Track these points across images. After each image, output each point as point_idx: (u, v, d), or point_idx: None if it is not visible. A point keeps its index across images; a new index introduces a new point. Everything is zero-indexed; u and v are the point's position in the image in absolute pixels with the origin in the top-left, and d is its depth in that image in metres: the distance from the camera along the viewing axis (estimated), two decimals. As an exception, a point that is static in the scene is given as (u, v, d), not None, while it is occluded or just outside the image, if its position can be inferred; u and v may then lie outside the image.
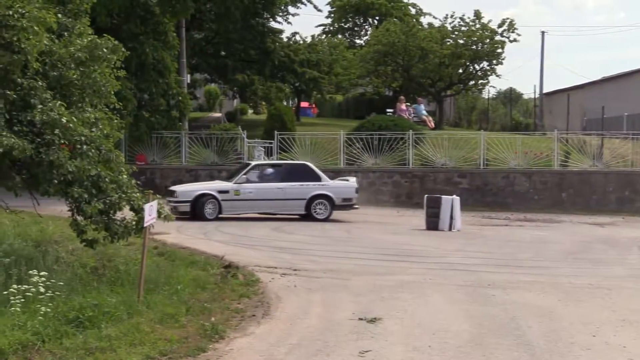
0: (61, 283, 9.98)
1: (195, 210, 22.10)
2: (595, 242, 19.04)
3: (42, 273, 9.77)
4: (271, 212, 23.20)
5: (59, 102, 10.60)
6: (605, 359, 8.17)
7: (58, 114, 10.28)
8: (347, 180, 24.37)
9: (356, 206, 23.99)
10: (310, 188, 23.23)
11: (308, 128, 36.86)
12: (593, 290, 12.12)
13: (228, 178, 24.43)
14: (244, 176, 23.04)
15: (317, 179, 23.53)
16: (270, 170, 23.89)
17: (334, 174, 28.92)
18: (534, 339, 8.85)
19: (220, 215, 22.34)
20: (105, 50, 11.54)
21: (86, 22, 12.77)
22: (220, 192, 22.52)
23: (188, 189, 22.78)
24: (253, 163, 24.26)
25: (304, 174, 23.60)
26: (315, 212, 23.08)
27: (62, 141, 10.34)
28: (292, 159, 29.38)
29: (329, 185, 23.50)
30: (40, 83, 10.76)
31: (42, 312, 8.57)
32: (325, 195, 23.25)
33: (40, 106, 10.36)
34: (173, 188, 23.24)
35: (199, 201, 22.18)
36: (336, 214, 23.45)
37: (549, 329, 9.35)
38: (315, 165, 28.53)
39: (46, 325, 8.25)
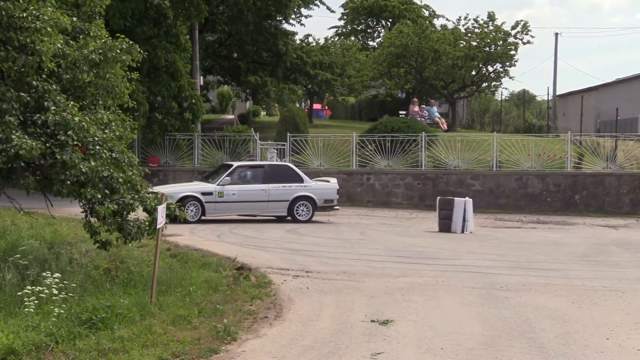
0: (74, 284, 10.03)
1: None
2: (609, 244, 18.96)
3: (56, 274, 9.82)
4: (254, 214, 23.20)
5: (72, 103, 10.65)
6: (618, 362, 8.14)
7: (71, 115, 10.33)
8: (328, 181, 24.30)
9: (336, 207, 24.00)
10: (293, 189, 23.13)
11: (320, 130, 36.86)
12: (607, 292, 12.06)
13: (207, 179, 24.30)
14: (227, 177, 22.84)
15: (300, 180, 23.41)
16: (252, 171, 23.69)
17: (347, 175, 29.06)
18: (547, 342, 8.82)
19: (203, 218, 22.15)
20: (119, 51, 11.58)
21: (100, 25, 12.82)
22: (203, 193, 22.33)
23: (172, 191, 22.07)
24: (235, 164, 23.99)
25: (286, 175, 23.48)
26: (297, 213, 23.02)
27: (75, 142, 10.39)
28: (304, 161, 29.45)
29: (311, 187, 23.41)
30: (54, 86, 10.82)
31: (55, 314, 8.61)
32: (307, 197, 23.20)
33: (53, 108, 10.42)
34: (159, 189, 22.93)
35: (182, 203, 21.46)
36: (346, 217, 23.46)
37: (562, 332, 9.31)
38: (328, 167, 28.65)
39: (59, 327, 8.29)
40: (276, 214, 23.28)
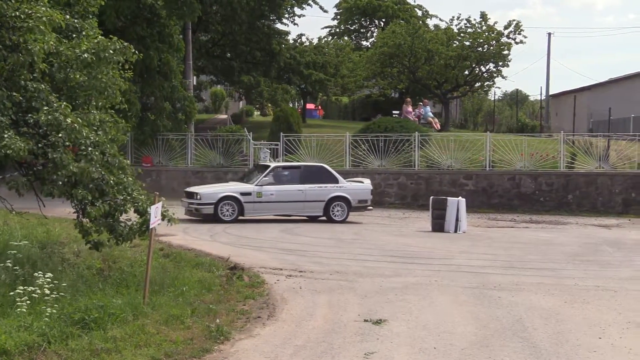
0: (66, 284, 10.00)
1: (217, 212, 22.13)
2: (602, 244, 19.00)
3: (48, 274, 9.79)
4: (291, 214, 23.38)
5: (64, 103, 10.61)
6: (611, 361, 8.16)
7: (63, 116, 10.29)
8: (362, 182, 24.50)
9: (370, 207, 24.18)
10: (328, 190, 23.36)
11: (314, 130, 36.85)
12: (599, 292, 12.09)
13: (242, 180, 24.55)
14: (265, 178, 23.00)
15: (335, 180, 23.68)
16: (289, 172, 23.87)
17: (340, 175, 28.99)
18: (540, 341, 8.83)
19: (241, 218, 22.41)
20: (112, 51, 11.54)
21: (94, 24, 12.79)
22: (242, 194, 22.50)
23: (211, 191, 22.63)
24: (272, 165, 24.20)
25: (322, 176, 23.72)
26: (333, 213, 23.22)
27: (67, 143, 10.35)
28: (297, 161, 29.40)
29: (345, 187, 23.66)
30: (44, 86, 10.78)
31: (47, 314, 8.59)
32: (342, 197, 23.42)
33: (45, 108, 10.38)
34: (195, 190, 23.07)
35: (222, 203, 22.20)
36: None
37: (555, 331, 9.33)
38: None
39: (52, 327, 8.26)
40: (312, 214, 23.46)
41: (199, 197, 22.30)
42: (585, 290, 12.17)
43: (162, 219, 10.82)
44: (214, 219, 21.97)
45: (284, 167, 24.20)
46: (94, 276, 11.37)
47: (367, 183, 24.37)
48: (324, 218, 23.21)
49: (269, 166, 23.93)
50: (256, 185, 22.76)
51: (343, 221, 23.03)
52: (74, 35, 12.02)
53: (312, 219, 23.34)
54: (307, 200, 23.13)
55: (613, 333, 9.29)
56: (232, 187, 23.18)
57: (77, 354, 7.73)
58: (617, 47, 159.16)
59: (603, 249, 18.10)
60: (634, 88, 49.36)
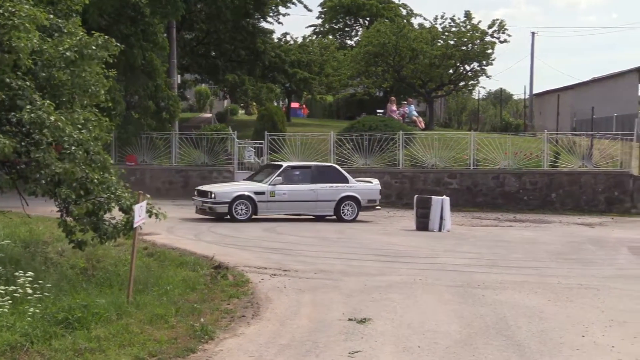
0: (49, 284, 9.94)
1: (232, 211, 22.27)
2: (585, 242, 19.09)
3: (29, 274, 9.73)
4: (303, 213, 23.53)
5: (48, 101, 10.56)
6: (594, 359, 8.18)
7: (46, 114, 10.24)
8: (371, 182, 24.67)
9: (378, 207, 24.38)
10: (339, 189, 23.55)
11: (298, 128, 36.85)
12: (582, 290, 12.15)
13: (251, 179, 24.62)
14: (278, 177, 23.14)
15: (345, 180, 23.88)
16: (300, 171, 24.01)
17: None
18: (524, 339, 8.86)
19: (254, 217, 22.55)
20: (94, 47, 11.48)
21: (77, 22, 12.72)
22: (256, 193, 22.66)
23: (226, 190, 22.80)
24: (284, 164, 24.34)
25: (333, 176, 23.93)
26: (343, 213, 23.40)
27: (51, 141, 10.30)
28: (282, 160, 29.40)
29: (356, 187, 23.86)
30: (29, 84, 10.72)
31: (30, 313, 8.53)
32: (352, 197, 23.60)
33: (29, 106, 10.32)
34: (208, 188, 23.20)
35: (236, 202, 22.33)
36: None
37: (538, 329, 9.37)
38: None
39: (35, 327, 8.21)
40: (323, 214, 23.62)
41: (213, 195, 22.37)
42: (569, 289, 12.23)
43: (150, 216, 10.79)
44: (228, 218, 22.18)
45: (296, 167, 24.37)
46: (77, 275, 11.33)
47: (375, 183, 24.60)
48: (304, 216, 23.31)
49: (280, 165, 24.16)
50: (269, 184, 22.96)
51: (353, 220, 23.25)
52: (56, 34, 11.96)
53: (319, 218, 23.61)
54: (319, 200, 23.36)
55: (596, 331, 9.34)
56: (246, 187, 23.29)
57: (60, 354, 7.69)
58: (600, 46, 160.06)
59: (586, 247, 18.19)
60: (617, 87, 49.67)
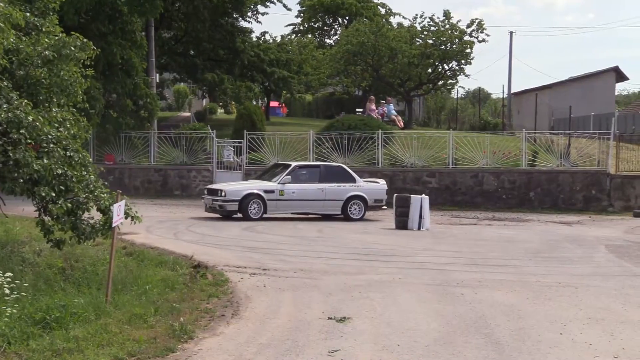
0: (26, 284, 9.87)
1: (242, 210, 22.39)
2: (563, 240, 19.21)
3: (7, 274, 9.65)
4: (311, 212, 23.68)
5: (25, 101, 10.49)
6: (572, 357, 8.24)
7: (24, 113, 10.17)
8: (377, 182, 24.87)
9: (384, 207, 24.47)
10: (346, 189, 23.75)
11: (278, 127, 36.84)
12: (560, 288, 12.23)
13: (260, 178, 24.83)
14: (287, 177, 23.25)
15: (352, 180, 24.08)
16: (308, 171, 24.16)
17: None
18: (502, 337, 8.91)
19: (265, 215, 22.65)
20: (73, 48, 11.43)
21: (54, 21, 12.65)
22: (266, 191, 22.83)
23: (236, 188, 22.95)
24: (293, 164, 24.44)
25: (340, 175, 24.11)
26: (351, 212, 23.60)
27: (29, 141, 10.23)
28: (261, 159, 29.42)
29: (363, 187, 24.08)
30: (5, 83, 10.64)
31: (7, 314, 8.46)
32: (360, 196, 23.80)
33: (5, 105, 10.25)
34: (219, 187, 23.39)
35: (246, 201, 22.44)
36: (308, 214, 23.56)
37: (517, 327, 9.42)
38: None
39: (12, 327, 8.15)
40: (331, 213, 23.79)
41: (223, 194, 22.53)
42: (547, 287, 12.30)
43: (126, 217, 10.74)
44: (239, 216, 22.34)
45: (305, 167, 24.55)
46: (55, 275, 11.24)
47: (382, 183, 24.84)
48: (282, 216, 23.35)
49: (290, 165, 24.30)
50: (279, 183, 23.10)
51: (360, 219, 23.49)
52: (34, 33, 11.88)
53: (327, 217, 23.80)
54: (327, 199, 23.54)
55: (574, 329, 9.40)
56: (256, 185, 23.44)
57: (38, 355, 7.64)
58: (577, 46, 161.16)
59: (564, 245, 18.31)
60: (594, 87, 50.13)
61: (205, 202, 23.16)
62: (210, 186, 24.05)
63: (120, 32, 29.39)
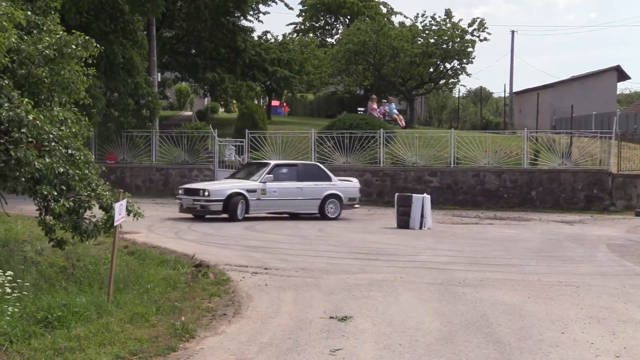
0: (28, 283, 9.88)
1: (227, 210, 21.85)
2: (564, 240, 19.20)
3: (8, 273, 9.66)
4: (290, 211, 23.39)
5: (26, 99, 10.49)
6: (573, 356, 8.23)
7: (25, 112, 10.17)
8: (351, 180, 24.88)
9: (357, 205, 24.54)
10: (324, 188, 23.71)
11: (279, 127, 36.84)
12: (562, 287, 12.22)
13: (234, 176, 24.51)
14: (268, 175, 22.92)
15: (328, 178, 24.03)
16: (287, 169, 23.89)
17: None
18: (504, 336, 8.90)
19: (246, 215, 22.28)
20: (74, 47, 11.43)
21: (55, 19, 12.65)
22: (248, 190, 22.36)
23: (219, 188, 22.32)
24: (272, 162, 24.14)
25: (317, 174, 24.01)
26: (327, 211, 23.54)
27: (30, 139, 10.24)
28: (263, 158, 29.41)
29: (338, 185, 24.05)
30: (7, 82, 10.65)
31: (9, 313, 8.47)
32: (336, 195, 23.77)
33: (7, 104, 10.25)
34: (201, 186, 22.63)
35: (231, 200, 21.88)
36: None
37: (518, 326, 9.41)
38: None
39: (14, 326, 8.16)
40: (308, 212, 23.64)
41: (206, 193, 21.84)
42: (549, 286, 12.29)
43: (128, 214, 10.75)
44: (226, 216, 21.87)
45: (283, 165, 24.22)
46: (57, 274, 11.26)
47: (355, 182, 24.87)
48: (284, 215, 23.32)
49: (269, 163, 24.01)
50: (261, 182, 22.66)
51: (336, 219, 23.37)
52: (35, 32, 11.89)
53: (296, 216, 23.56)
54: (306, 198, 23.37)
55: (575, 328, 9.40)
56: (238, 184, 22.82)
57: (40, 353, 7.64)
58: (578, 45, 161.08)
59: (566, 244, 18.30)
60: (596, 86, 50.11)
61: (182, 203, 22.35)
62: (186, 186, 23.31)
63: (121, 31, 29.43)
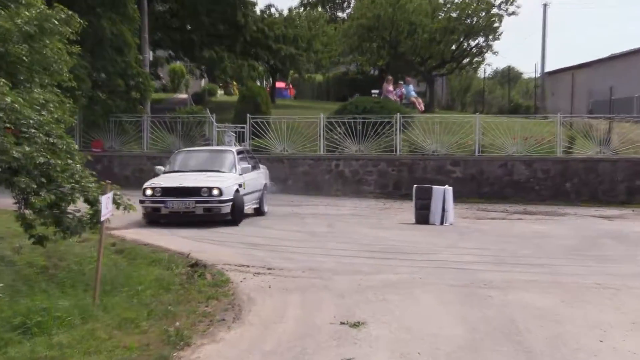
0: (3, 284, 9.89)
1: (233, 210, 19.74)
2: (603, 237, 19.14)
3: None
4: (250, 206, 21.88)
5: (3, 80, 10.48)
6: (613, 366, 8.22)
7: (2, 94, 10.16)
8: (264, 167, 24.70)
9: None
10: (261, 177, 23.20)
11: (284, 111, 36.83)
12: (600, 290, 12.18)
13: (170, 171, 22.04)
14: (246, 165, 21.60)
15: (258, 166, 23.71)
16: (246, 157, 22.77)
17: (314, 161, 29.15)
18: (535, 345, 8.88)
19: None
20: (56, 22, 11.41)
21: (37, -9, 12.64)
22: (239, 186, 20.37)
23: (227, 185, 19.77)
24: (233, 148, 22.86)
25: (252, 161, 23.31)
26: (264, 204, 22.77)
27: (7, 125, 10.23)
28: (266, 146, 29.41)
29: (266, 172, 24.16)
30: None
31: (-17, 318, 8.50)
32: (266, 185, 23.49)
33: (-19, 86, 10.25)
34: (204, 184, 19.61)
35: (237, 199, 19.85)
36: (312, 207, 23.56)
37: (551, 334, 9.38)
38: (293, 152, 28.83)
39: (-12, 332, 8.18)
40: (254, 207, 22.81)
41: (215, 192, 19.38)
42: (585, 288, 12.26)
43: (117, 207, 10.75)
44: (230, 220, 19.77)
45: (241, 152, 22.85)
46: (36, 275, 11.27)
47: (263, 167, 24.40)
48: (289, 209, 23.26)
49: (229, 150, 22.48)
50: (240, 174, 20.94)
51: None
52: (13, 5, 11.87)
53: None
54: (257, 190, 22.35)
55: (615, 335, 9.36)
56: (232, 179, 20.51)
57: (17, 363, 7.66)
58: (619, 19, 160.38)
59: (604, 242, 18.25)
60: (638, 65, 49.74)
61: (163, 207, 19.36)
62: (172, 184, 19.90)
63: (110, 4, 29.42)
